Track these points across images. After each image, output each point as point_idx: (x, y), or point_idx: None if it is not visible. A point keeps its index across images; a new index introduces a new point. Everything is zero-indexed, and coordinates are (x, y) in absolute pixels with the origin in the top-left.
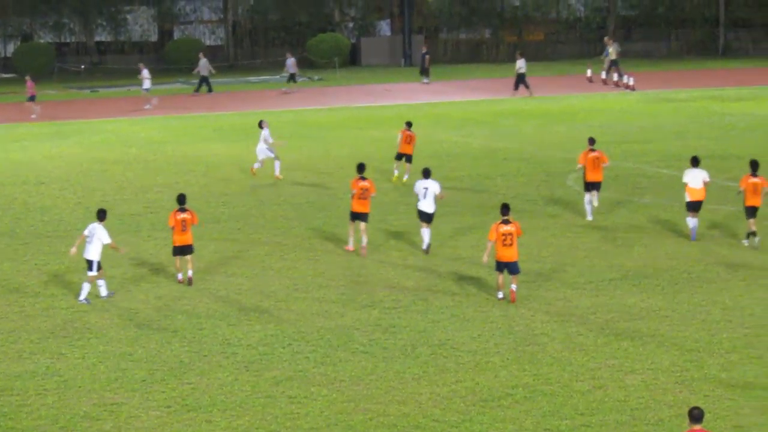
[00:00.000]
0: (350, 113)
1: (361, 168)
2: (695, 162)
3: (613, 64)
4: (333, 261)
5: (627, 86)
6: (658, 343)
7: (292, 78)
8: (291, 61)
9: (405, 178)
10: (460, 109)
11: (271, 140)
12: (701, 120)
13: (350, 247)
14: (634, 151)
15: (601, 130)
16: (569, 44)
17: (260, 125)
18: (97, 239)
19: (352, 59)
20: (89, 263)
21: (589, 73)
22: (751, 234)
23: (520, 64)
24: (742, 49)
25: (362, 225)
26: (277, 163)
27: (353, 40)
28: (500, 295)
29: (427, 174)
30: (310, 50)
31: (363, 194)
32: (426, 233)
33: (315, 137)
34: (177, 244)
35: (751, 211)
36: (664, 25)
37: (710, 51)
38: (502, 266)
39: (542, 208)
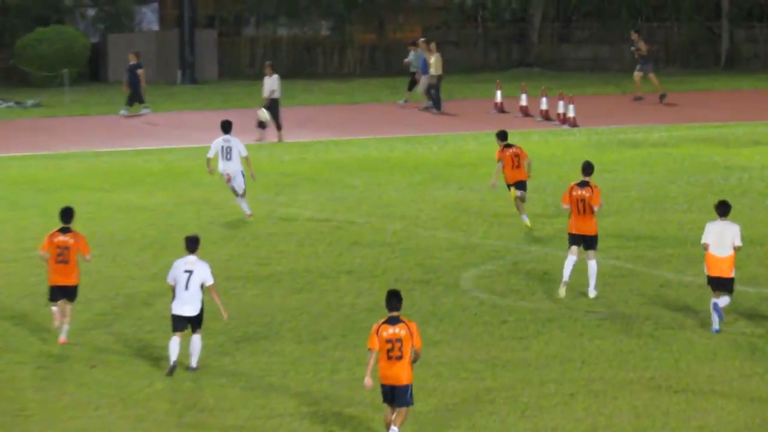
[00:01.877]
0: (87, 164)
1: (66, 215)
2: (723, 209)
3: (438, 82)
4: (60, 414)
5: (564, 120)
6: None
7: None
8: None
9: (526, 220)
10: (277, 158)
11: (246, 153)
12: (690, 178)
13: (62, 338)
14: None
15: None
16: (467, 47)
17: (229, 127)
18: None
19: (94, 71)
20: None
21: (500, 100)
22: None
23: (270, 86)
24: (757, 57)
25: (68, 307)
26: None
27: (95, 39)
28: None
29: (193, 245)
30: (20, 56)
31: (62, 255)
32: (193, 345)
33: (26, 204)
34: None
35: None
36: (628, 16)
37: (705, 60)
38: (387, 392)
39: (419, 329)
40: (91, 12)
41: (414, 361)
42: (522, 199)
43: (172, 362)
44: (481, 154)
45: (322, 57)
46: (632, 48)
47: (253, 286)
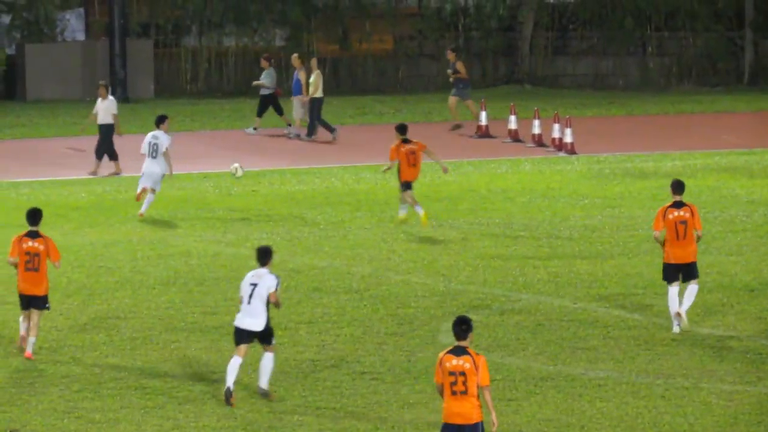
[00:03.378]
0: (1, 197)
1: (33, 217)
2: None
3: (319, 105)
4: None
5: (560, 146)
6: None
7: None
8: None
9: (420, 212)
10: (225, 190)
11: (168, 146)
12: (708, 214)
13: (28, 353)
14: (573, 280)
15: (506, 232)
16: (446, 60)
17: (161, 121)
18: None
19: (9, 87)
20: None
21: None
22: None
23: (107, 109)
24: None
25: (35, 317)
26: (149, 198)
27: (10, 50)
28: None
29: (264, 258)
30: None
31: (32, 263)
32: (263, 364)
33: None
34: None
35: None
36: (634, 25)
37: (726, 75)
38: None
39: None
40: (6, 19)
41: (487, 403)
42: (410, 197)
43: (227, 386)
44: (463, 186)
45: (275, 71)
46: (449, 71)
47: (198, 338)
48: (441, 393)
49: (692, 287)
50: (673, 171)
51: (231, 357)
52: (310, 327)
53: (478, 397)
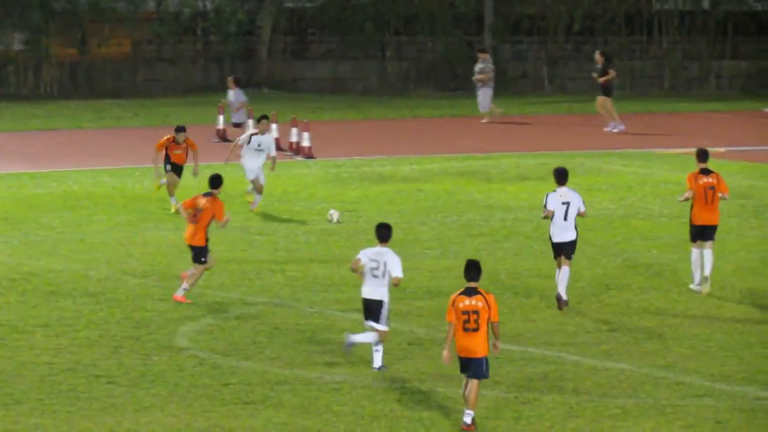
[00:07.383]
0: None
1: (212, 181)
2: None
3: None
4: None
5: (298, 150)
6: None
7: None
8: None
9: (162, 182)
10: None
11: (274, 153)
12: (444, 218)
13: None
14: (310, 284)
15: (242, 236)
16: (184, 64)
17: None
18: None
19: None
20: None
21: None
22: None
23: None
24: (526, 77)
25: (190, 269)
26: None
27: None
28: None
29: (562, 178)
30: None
31: (195, 216)
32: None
33: None
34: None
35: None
36: (373, 29)
37: (465, 81)
38: (464, 365)
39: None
40: None
41: (495, 335)
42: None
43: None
44: (204, 188)
45: (14, 75)
46: None
47: None
48: (451, 330)
49: (709, 254)
50: (410, 175)
51: (558, 270)
52: (46, 330)
53: (487, 332)
